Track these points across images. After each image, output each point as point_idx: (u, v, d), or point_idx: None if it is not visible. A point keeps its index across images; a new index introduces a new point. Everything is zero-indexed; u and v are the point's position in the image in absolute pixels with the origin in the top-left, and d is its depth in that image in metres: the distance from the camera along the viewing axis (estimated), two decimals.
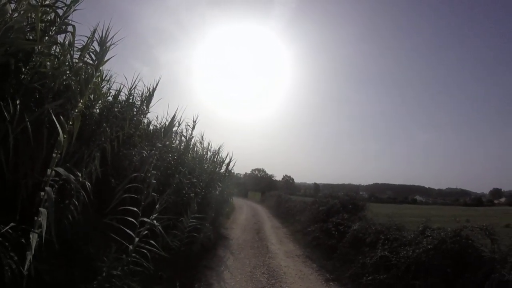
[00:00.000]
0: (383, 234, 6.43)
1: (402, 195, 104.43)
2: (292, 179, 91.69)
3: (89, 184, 2.92)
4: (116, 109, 3.86)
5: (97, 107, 3.60)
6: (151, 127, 5.67)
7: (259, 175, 78.78)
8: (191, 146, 8.06)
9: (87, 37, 2.87)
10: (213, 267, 6.08)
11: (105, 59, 2.97)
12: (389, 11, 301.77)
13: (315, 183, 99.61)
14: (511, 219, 17.15)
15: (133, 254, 3.36)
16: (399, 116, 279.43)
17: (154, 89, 4.86)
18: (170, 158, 6.12)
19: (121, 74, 4.39)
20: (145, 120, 5.25)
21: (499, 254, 4.39)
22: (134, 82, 4.32)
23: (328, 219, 9.78)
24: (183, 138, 7.41)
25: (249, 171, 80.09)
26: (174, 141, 6.82)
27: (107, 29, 2.99)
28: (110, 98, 3.98)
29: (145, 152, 4.59)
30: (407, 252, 5.20)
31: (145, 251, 3.55)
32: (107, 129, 3.47)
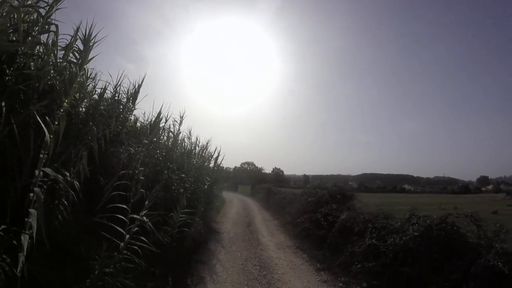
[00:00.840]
0: (371, 223, 6.51)
1: (391, 184, 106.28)
2: (282, 172, 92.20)
3: (77, 183, 2.92)
4: (102, 107, 3.84)
5: (83, 106, 3.56)
6: (138, 124, 5.63)
7: (248, 168, 79.24)
8: (179, 141, 8.05)
9: (70, 35, 2.84)
10: (205, 261, 6.14)
11: (89, 57, 2.93)
12: (377, 3, 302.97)
13: (304, 175, 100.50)
14: (498, 206, 17.84)
15: (125, 251, 3.39)
16: (387, 106, 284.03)
17: (139, 86, 4.83)
18: (158, 154, 6.11)
19: (106, 72, 4.33)
20: (132, 117, 5.20)
21: (484, 240, 4.46)
22: (120, 79, 4.29)
23: (317, 210, 9.85)
24: (170, 134, 7.40)
25: (238, 165, 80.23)
26: (161, 137, 6.79)
27: (91, 27, 2.97)
28: (95, 96, 3.94)
29: (132, 149, 4.59)
30: (394, 240, 5.28)
31: (136, 247, 3.59)
32: (94, 127, 3.45)
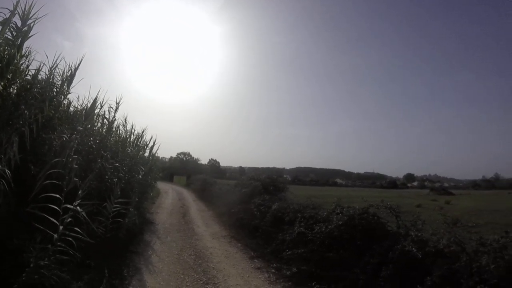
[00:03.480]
0: (300, 213, 6.92)
1: (324, 178, 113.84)
2: (218, 163, 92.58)
3: (8, 171, 2.70)
4: (35, 90, 3.52)
5: (14, 87, 3.24)
6: (71, 108, 5.24)
7: (184, 158, 77.70)
8: (114, 129, 7.65)
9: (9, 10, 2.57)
10: (140, 252, 6.05)
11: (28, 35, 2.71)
12: (324, 4, 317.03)
13: (240, 167, 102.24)
14: (422, 200, 20.35)
15: (59, 243, 3.24)
16: (323, 104, 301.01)
17: (76, 68, 4.54)
18: (92, 142, 5.79)
19: (41, 51, 3.94)
20: (65, 102, 4.83)
21: (403, 228, 4.87)
22: (56, 60, 3.96)
23: (251, 201, 10.12)
24: (105, 120, 7.00)
25: (174, 155, 78.27)
26: (95, 124, 6.40)
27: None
28: (28, 77, 3.58)
29: (65, 136, 4.31)
30: (320, 228, 5.63)
31: (70, 239, 3.45)
32: (26, 111, 3.18)
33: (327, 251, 5.21)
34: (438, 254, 3.90)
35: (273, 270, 5.59)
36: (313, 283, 4.72)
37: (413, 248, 4.05)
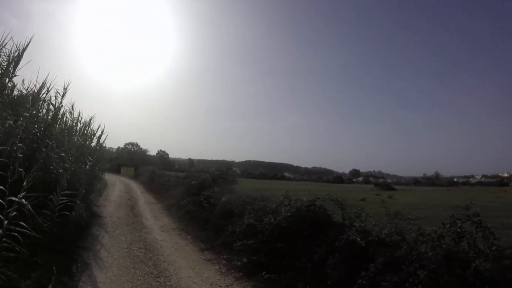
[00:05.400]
0: (250, 205, 7.04)
1: (273, 171, 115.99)
2: (167, 154, 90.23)
3: None
4: None
5: None
6: (15, 92, 4.83)
7: (132, 149, 74.43)
8: (60, 116, 7.15)
9: None
10: (89, 246, 5.83)
11: None
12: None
13: (189, 159, 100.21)
14: (367, 195, 21.56)
15: (4, 239, 3.05)
16: (277, 99, 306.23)
17: (24, 49, 4.21)
18: (37, 130, 5.40)
19: None
20: (10, 85, 4.45)
21: (348, 220, 5.11)
22: (3, 40, 3.64)
23: (200, 193, 10.10)
24: (51, 106, 6.52)
25: (122, 145, 74.70)
26: (41, 110, 5.94)
27: None
28: None
29: (10, 123, 4.01)
30: (269, 220, 5.77)
31: (16, 234, 3.26)
32: None
33: (276, 241, 5.39)
34: (381, 243, 4.14)
35: (223, 262, 5.70)
36: (263, 273, 4.90)
37: (357, 238, 4.25)
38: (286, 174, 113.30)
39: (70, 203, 5.72)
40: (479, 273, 3.00)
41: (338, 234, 4.62)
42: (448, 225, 3.68)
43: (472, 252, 3.35)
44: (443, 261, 3.35)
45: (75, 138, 8.24)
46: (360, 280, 3.68)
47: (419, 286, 3.07)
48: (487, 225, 3.43)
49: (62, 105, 6.86)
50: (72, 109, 7.93)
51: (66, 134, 7.28)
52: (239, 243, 5.95)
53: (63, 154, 6.33)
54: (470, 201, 4.50)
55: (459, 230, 3.53)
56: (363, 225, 4.60)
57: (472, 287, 2.95)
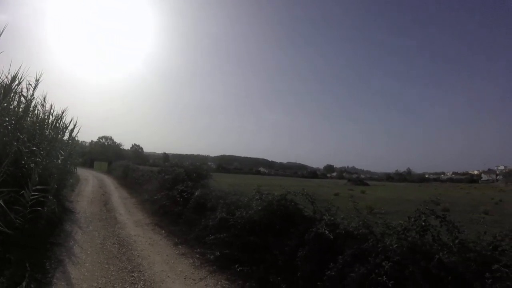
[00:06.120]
0: (222, 199, 7.02)
1: (248, 166, 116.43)
2: (141, 148, 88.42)
3: None
4: None
5: None
6: None
7: (106, 143, 72.18)
8: (31, 108, 6.97)
9: None
10: (62, 243, 5.79)
11: None
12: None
13: (164, 153, 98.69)
14: (340, 189, 22.20)
15: None
16: (253, 96, 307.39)
17: None
18: (7, 123, 5.27)
19: None
20: None
21: (318, 214, 5.14)
22: None
23: (174, 187, 9.99)
24: (22, 99, 6.35)
25: (95, 139, 72.37)
26: (12, 103, 5.78)
27: None
28: None
29: None
30: (241, 214, 5.80)
31: None
32: None
33: (249, 235, 5.49)
34: (349, 236, 4.30)
35: (197, 255, 5.79)
36: (236, 266, 5.03)
37: (326, 230, 4.34)
38: (261, 169, 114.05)
39: (42, 199, 5.62)
40: (443, 265, 3.18)
41: (308, 227, 4.72)
42: (413, 219, 3.87)
43: (436, 244, 3.52)
44: (408, 253, 3.52)
45: (47, 131, 8.01)
46: (329, 272, 3.83)
47: (384, 276, 3.26)
48: (450, 220, 3.66)
49: (34, 97, 6.72)
50: (44, 101, 7.74)
51: (37, 127, 7.09)
52: (212, 237, 6.00)
53: (34, 148, 6.21)
54: (441, 197, 4.78)
55: (423, 224, 3.72)
56: (332, 218, 4.70)
57: (437, 278, 3.14)
